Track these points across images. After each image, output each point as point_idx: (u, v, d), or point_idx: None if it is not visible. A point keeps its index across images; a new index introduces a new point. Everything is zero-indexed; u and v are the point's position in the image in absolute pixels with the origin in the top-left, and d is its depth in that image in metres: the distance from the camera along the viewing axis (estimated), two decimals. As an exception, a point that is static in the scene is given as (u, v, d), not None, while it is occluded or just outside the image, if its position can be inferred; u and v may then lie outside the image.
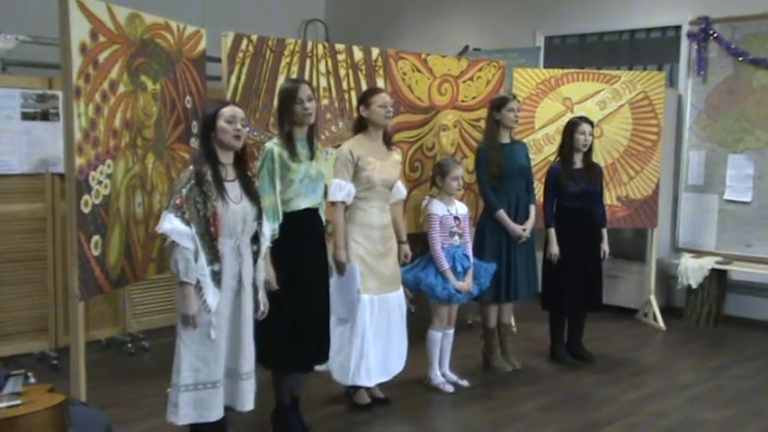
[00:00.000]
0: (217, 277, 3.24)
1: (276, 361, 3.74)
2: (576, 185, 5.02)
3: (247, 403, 3.42)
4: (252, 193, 3.39)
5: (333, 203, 4.06)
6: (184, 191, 3.19)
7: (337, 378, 4.22)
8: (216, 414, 3.31)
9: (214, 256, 3.24)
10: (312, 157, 3.79)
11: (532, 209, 4.96)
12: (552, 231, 5.07)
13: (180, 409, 3.24)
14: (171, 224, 3.15)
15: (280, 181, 3.67)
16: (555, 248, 5.05)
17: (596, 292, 5.21)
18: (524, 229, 4.87)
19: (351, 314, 4.13)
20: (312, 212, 3.82)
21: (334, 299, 4.03)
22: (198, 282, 3.20)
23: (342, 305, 4.09)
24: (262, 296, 3.47)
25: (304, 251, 3.78)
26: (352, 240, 4.15)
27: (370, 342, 4.19)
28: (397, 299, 4.36)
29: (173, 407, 3.26)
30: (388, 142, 4.29)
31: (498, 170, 4.81)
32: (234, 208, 3.26)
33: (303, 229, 3.78)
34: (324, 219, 3.95)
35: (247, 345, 3.39)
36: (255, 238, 3.40)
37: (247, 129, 4.36)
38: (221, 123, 3.28)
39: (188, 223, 3.17)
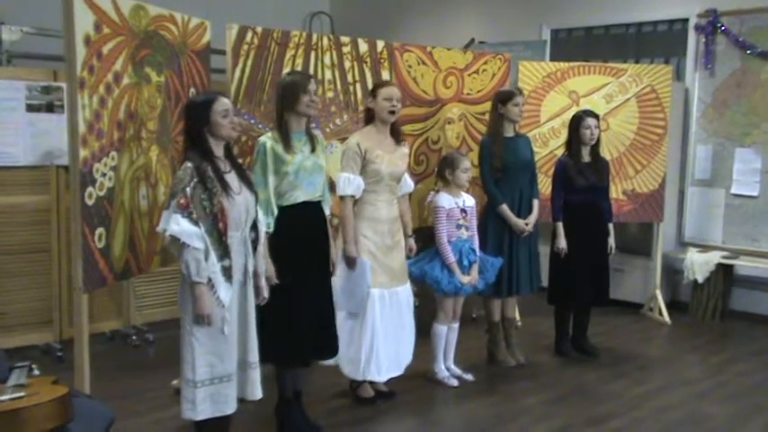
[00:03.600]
0: (227, 272, 3.24)
1: (276, 355, 3.72)
2: (584, 180, 5.00)
3: (257, 392, 3.44)
4: (248, 181, 3.39)
5: (342, 198, 4.04)
6: (188, 189, 3.14)
7: (347, 372, 4.22)
8: (231, 407, 3.32)
9: (224, 252, 3.22)
10: (313, 149, 3.77)
11: (536, 203, 4.94)
12: (560, 225, 5.05)
13: (197, 406, 3.22)
14: (179, 226, 3.10)
15: (275, 174, 3.65)
16: (562, 242, 5.03)
17: (603, 286, 5.20)
18: (527, 224, 4.86)
19: (361, 309, 4.12)
20: (311, 206, 3.78)
21: (344, 293, 4.02)
22: (210, 279, 3.18)
23: (352, 300, 4.08)
24: (263, 283, 3.47)
25: (302, 245, 3.75)
26: (362, 235, 4.14)
27: (380, 337, 4.19)
28: (406, 292, 4.37)
29: (189, 404, 3.22)
30: (396, 136, 4.27)
31: (501, 164, 4.79)
32: (237, 200, 3.26)
33: (301, 223, 3.74)
34: (328, 213, 3.92)
35: (254, 334, 3.41)
36: (253, 226, 3.39)
37: (252, 121, 4.39)
38: (217, 119, 3.25)
39: (196, 223, 3.13)
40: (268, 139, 3.68)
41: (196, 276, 3.13)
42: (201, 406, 3.23)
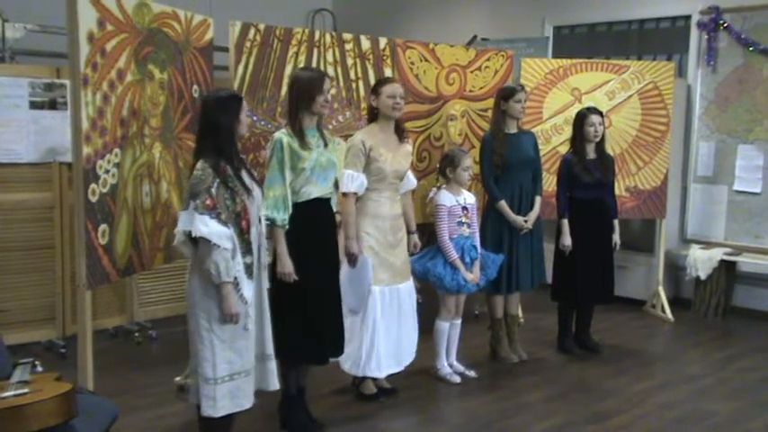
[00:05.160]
0: (249, 269, 3.26)
1: (292, 352, 3.72)
2: (590, 176, 5.00)
3: (275, 382, 3.47)
4: (255, 177, 3.41)
5: (344, 194, 4.02)
6: (213, 190, 3.13)
7: (347, 369, 4.22)
8: (249, 401, 3.34)
9: (247, 249, 3.24)
10: (326, 145, 3.76)
11: (538, 200, 4.93)
12: (565, 222, 5.05)
13: (218, 402, 3.22)
14: (207, 227, 3.08)
15: (291, 171, 3.63)
16: (567, 239, 5.03)
17: (608, 283, 5.19)
18: (526, 221, 4.85)
19: (361, 306, 4.13)
20: (322, 202, 3.78)
21: (344, 290, 4.01)
22: (235, 278, 3.18)
23: (353, 296, 4.08)
24: (265, 274, 3.47)
25: (315, 242, 3.74)
26: (364, 232, 4.14)
27: (380, 333, 4.19)
28: (408, 289, 4.36)
29: (210, 401, 3.21)
30: (400, 133, 4.27)
31: (501, 160, 4.79)
32: (254, 196, 3.28)
33: (314, 220, 3.74)
34: (335, 209, 3.92)
35: (269, 326, 3.44)
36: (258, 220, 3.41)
37: (254, 118, 4.39)
38: (243, 116, 3.29)
39: (225, 224, 3.13)
40: (284, 136, 3.66)
41: (225, 276, 3.13)
42: (222, 402, 3.23)
